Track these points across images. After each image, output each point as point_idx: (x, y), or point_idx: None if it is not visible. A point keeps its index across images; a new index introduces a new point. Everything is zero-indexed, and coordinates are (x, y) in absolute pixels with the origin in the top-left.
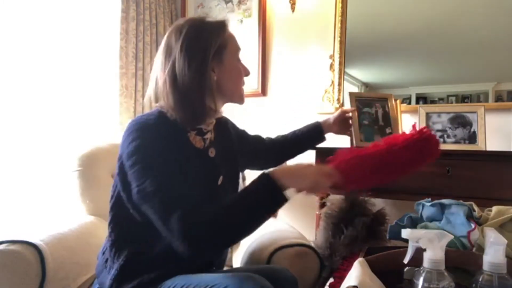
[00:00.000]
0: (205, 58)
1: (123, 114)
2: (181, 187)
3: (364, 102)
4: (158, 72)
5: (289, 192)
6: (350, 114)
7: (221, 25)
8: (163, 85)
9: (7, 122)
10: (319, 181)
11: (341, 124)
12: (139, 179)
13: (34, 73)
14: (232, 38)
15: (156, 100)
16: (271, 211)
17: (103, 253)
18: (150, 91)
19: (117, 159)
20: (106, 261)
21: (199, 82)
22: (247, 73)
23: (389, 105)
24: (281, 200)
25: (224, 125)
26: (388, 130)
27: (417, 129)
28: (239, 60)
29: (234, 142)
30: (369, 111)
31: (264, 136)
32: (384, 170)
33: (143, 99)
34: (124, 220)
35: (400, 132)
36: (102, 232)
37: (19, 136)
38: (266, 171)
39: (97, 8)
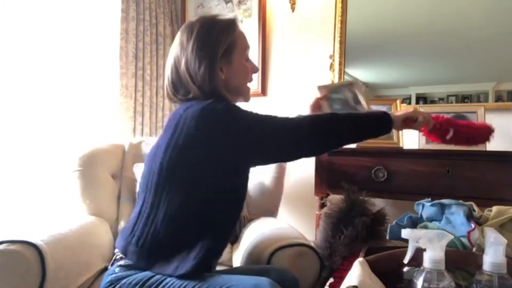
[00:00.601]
0: (214, 58)
1: (123, 114)
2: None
3: (333, 90)
4: (175, 66)
5: (396, 122)
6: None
7: (231, 25)
8: (186, 81)
9: (7, 122)
10: (420, 113)
11: (319, 111)
12: (255, 136)
13: (34, 73)
14: (241, 36)
15: (176, 90)
16: (377, 132)
17: (142, 246)
18: (167, 82)
19: (175, 155)
20: (155, 253)
21: (209, 80)
22: (255, 70)
23: (356, 87)
24: (388, 124)
25: None
26: (360, 109)
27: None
28: (247, 59)
29: None
30: (339, 97)
31: None
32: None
33: (143, 99)
34: (180, 211)
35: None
36: (102, 232)
37: (20, 136)
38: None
39: (97, 8)
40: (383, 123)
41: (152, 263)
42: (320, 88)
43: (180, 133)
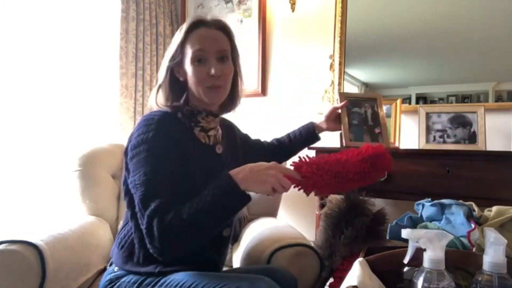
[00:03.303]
0: (169, 63)
1: (123, 114)
2: (168, 184)
3: (354, 102)
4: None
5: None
6: (340, 111)
7: (188, 26)
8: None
9: (7, 122)
10: (279, 182)
11: (333, 121)
12: (133, 170)
13: (34, 73)
14: (192, 39)
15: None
16: (233, 212)
17: (122, 248)
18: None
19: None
20: (130, 256)
21: (163, 81)
22: (207, 73)
23: (379, 105)
24: (244, 201)
25: (231, 128)
26: (377, 130)
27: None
28: (199, 61)
29: (238, 145)
30: (359, 111)
31: (263, 138)
32: (339, 178)
33: (143, 99)
34: None
35: (387, 132)
36: (102, 232)
37: (20, 136)
38: (227, 172)
39: (97, 8)
40: (235, 203)
41: (124, 263)
42: (341, 96)
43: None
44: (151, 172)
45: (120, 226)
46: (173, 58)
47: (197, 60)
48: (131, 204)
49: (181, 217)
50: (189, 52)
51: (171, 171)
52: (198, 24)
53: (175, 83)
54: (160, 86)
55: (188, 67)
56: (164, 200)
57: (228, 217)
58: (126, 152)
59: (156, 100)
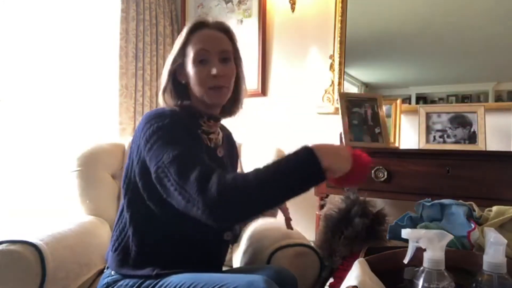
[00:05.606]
0: (171, 66)
1: (123, 114)
2: (200, 155)
3: (354, 102)
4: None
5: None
6: None
7: (189, 27)
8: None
9: (7, 122)
10: (347, 166)
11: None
12: (157, 156)
13: (34, 73)
14: (195, 39)
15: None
16: (306, 189)
17: (116, 250)
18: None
19: (129, 156)
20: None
21: (166, 85)
22: (209, 73)
23: (379, 105)
24: (320, 180)
25: (231, 137)
26: (377, 130)
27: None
28: (200, 62)
29: (236, 154)
30: (359, 111)
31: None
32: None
33: (143, 99)
34: (141, 216)
35: (389, 131)
36: (102, 232)
37: (20, 136)
38: (309, 145)
39: (97, 8)
40: (310, 179)
41: (119, 266)
42: (341, 96)
43: (135, 138)
44: (179, 149)
45: None
46: (175, 61)
47: (199, 61)
48: (130, 203)
49: (246, 177)
50: (191, 53)
51: (199, 148)
52: (200, 25)
53: (178, 86)
54: (164, 90)
55: (190, 68)
56: (206, 166)
57: (297, 191)
58: (137, 151)
59: (165, 101)
